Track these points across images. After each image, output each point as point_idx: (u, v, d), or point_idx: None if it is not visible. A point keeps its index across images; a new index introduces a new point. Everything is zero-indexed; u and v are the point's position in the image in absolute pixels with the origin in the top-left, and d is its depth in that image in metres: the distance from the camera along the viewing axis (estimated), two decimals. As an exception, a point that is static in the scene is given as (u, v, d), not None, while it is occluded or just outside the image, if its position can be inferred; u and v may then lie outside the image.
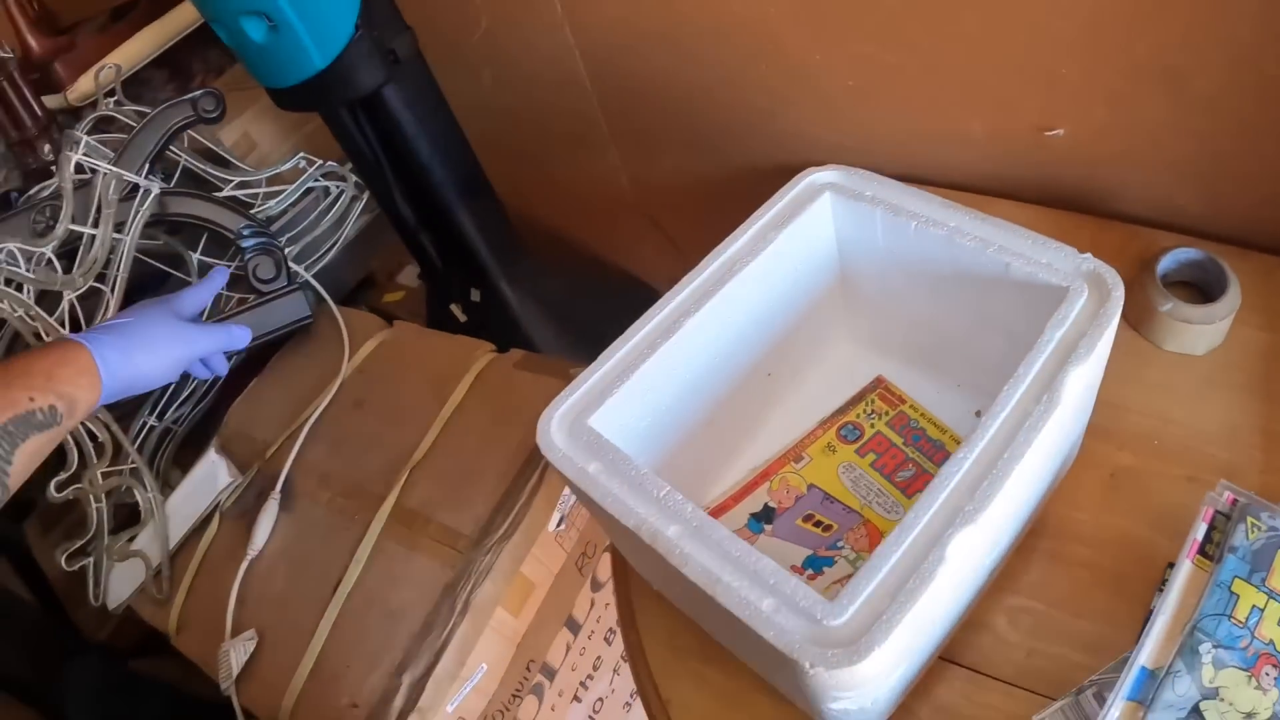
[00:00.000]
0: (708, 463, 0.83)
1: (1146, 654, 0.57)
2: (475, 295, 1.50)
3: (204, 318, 1.18)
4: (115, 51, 1.61)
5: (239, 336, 1.08)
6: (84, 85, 1.60)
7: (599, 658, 1.20)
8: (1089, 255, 0.63)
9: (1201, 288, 0.86)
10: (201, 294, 1.07)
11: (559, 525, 1.05)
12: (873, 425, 0.85)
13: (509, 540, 1.00)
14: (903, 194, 0.75)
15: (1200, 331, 0.82)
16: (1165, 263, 0.86)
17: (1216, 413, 0.79)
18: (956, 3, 0.89)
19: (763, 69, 1.12)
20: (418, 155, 1.27)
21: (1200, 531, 0.62)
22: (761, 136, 1.21)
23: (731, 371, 0.79)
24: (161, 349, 0.95)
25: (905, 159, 1.09)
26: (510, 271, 1.44)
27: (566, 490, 1.05)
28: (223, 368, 1.08)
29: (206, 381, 1.36)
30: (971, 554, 0.53)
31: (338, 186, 1.50)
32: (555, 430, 0.66)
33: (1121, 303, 0.60)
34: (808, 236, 0.79)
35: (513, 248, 1.45)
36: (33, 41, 1.64)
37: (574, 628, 1.14)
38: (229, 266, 1.16)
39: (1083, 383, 0.58)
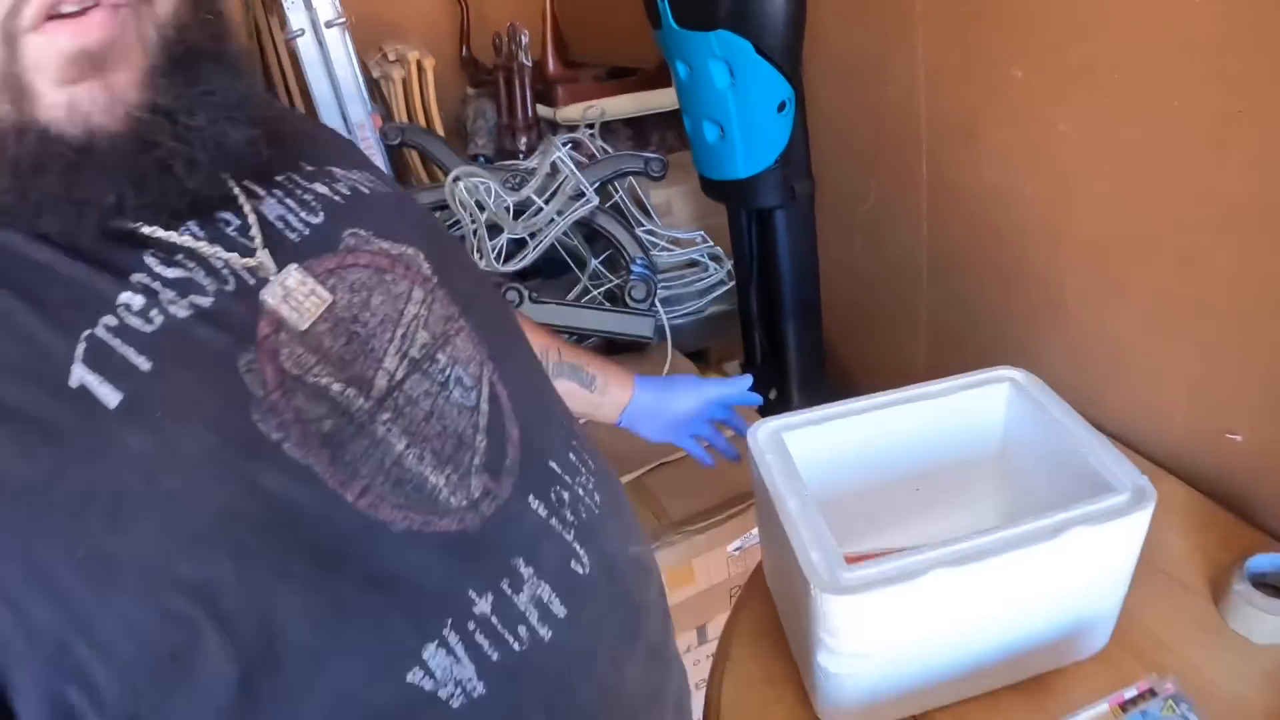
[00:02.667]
0: (845, 526, 1.09)
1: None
2: (773, 394, 1.86)
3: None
4: (605, 99, 2.14)
5: (742, 384, 1.20)
6: (572, 111, 2.14)
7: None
8: (1148, 480, 0.88)
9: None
10: (726, 387, 1.22)
11: (736, 550, 1.37)
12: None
13: (698, 535, 1.32)
14: (1057, 405, 1.01)
15: (1258, 617, 0.97)
16: (1263, 561, 1.02)
17: (1227, 672, 0.96)
18: (1210, 312, 1.16)
19: (1048, 315, 1.42)
20: (780, 268, 1.66)
21: (1131, 692, 0.84)
22: (1038, 344, 1.49)
23: (891, 467, 1.08)
24: (678, 404, 1.16)
25: (1112, 413, 1.34)
26: (805, 386, 1.78)
27: (754, 531, 1.36)
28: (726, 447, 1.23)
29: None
30: (962, 593, 0.81)
31: (715, 267, 1.92)
32: (762, 431, 0.99)
33: (1148, 515, 0.84)
34: (977, 405, 1.08)
35: (817, 368, 1.80)
36: (551, 62, 2.21)
37: (702, 637, 1.44)
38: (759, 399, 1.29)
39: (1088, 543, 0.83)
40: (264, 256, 0.58)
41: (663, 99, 2.28)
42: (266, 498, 0.52)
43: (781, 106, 1.47)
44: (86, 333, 0.51)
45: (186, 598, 0.49)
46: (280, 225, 0.62)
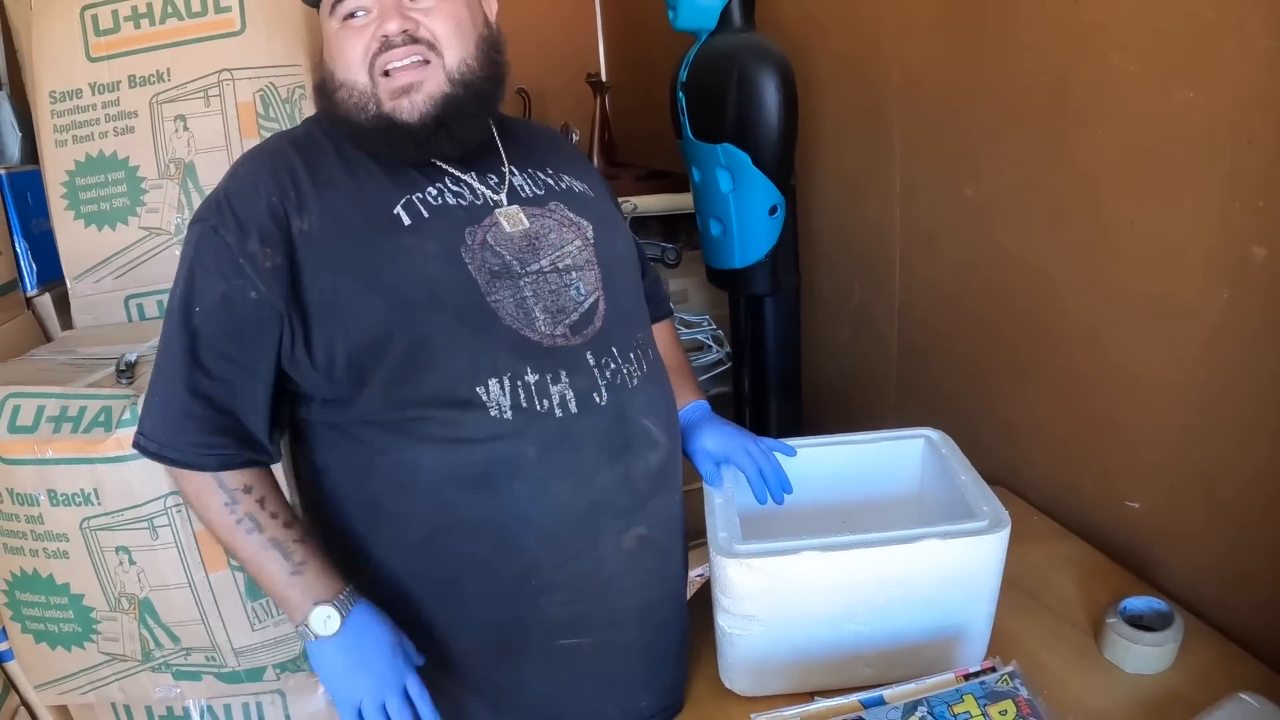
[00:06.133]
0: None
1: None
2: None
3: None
4: (640, 197, 2.43)
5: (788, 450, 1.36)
6: (611, 205, 2.42)
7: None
8: (1006, 513, 1.09)
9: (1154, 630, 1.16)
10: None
11: (698, 575, 1.59)
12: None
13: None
14: (957, 458, 1.23)
15: (1126, 647, 1.14)
16: (1138, 602, 1.20)
17: (1094, 690, 1.13)
18: (1112, 394, 1.37)
19: (984, 395, 1.65)
20: (767, 349, 1.91)
21: (979, 664, 1.02)
22: (976, 419, 1.65)
23: (820, 497, 1.29)
24: (732, 428, 1.34)
25: (1033, 481, 1.55)
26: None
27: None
28: None
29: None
30: (832, 576, 1.02)
31: (717, 349, 2.17)
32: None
33: (1001, 538, 1.06)
34: (900, 455, 1.31)
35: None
36: (596, 160, 2.56)
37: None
38: None
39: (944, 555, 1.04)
40: (503, 198, 1.12)
41: (689, 200, 2.53)
42: (451, 280, 1.03)
43: (773, 210, 1.74)
44: (406, 197, 1.06)
45: (399, 305, 1.01)
46: (518, 187, 1.15)
